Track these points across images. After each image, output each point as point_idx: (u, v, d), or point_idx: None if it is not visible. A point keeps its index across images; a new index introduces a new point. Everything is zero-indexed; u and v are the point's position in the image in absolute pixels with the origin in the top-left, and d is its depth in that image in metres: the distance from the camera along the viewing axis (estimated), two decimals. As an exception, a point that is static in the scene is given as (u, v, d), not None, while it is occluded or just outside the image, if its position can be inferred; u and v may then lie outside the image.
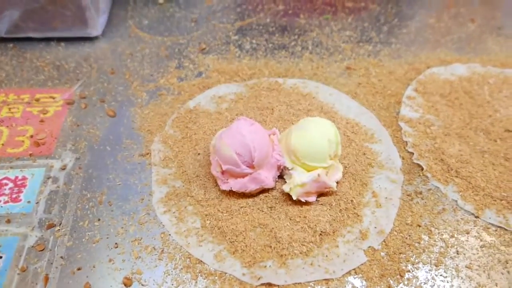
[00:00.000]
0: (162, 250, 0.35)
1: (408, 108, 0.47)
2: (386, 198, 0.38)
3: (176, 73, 0.51)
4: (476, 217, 0.37)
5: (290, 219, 0.36)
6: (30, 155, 0.42)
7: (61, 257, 0.34)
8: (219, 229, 0.35)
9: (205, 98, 0.47)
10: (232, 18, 0.61)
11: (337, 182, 0.37)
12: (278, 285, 0.32)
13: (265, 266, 0.33)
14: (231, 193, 0.38)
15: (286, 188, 0.36)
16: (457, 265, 0.34)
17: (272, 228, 0.35)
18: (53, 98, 0.48)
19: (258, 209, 0.37)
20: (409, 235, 0.36)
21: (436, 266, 0.34)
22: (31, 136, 0.43)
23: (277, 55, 0.54)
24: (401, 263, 0.34)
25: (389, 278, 0.33)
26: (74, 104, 0.48)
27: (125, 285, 0.32)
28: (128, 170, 0.41)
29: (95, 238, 0.35)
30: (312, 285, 0.33)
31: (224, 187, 0.37)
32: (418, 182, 0.40)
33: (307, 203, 0.37)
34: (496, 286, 0.33)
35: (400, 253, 0.35)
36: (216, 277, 0.33)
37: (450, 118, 0.45)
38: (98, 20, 0.55)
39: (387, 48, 0.56)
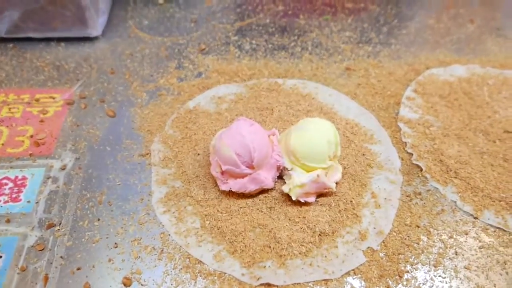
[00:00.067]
0: (162, 250, 0.35)
1: (407, 109, 0.47)
2: (385, 198, 0.38)
3: (176, 74, 0.52)
4: (475, 218, 0.37)
5: (290, 219, 0.36)
6: (30, 155, 0.42)
7: (61, 257, 0.34)
8: (218, 229, 0.35)
9: (205, 99, 0.48)
10: (232, 19, 0.61)
11: (336, 183, 0.38)
12: (277, 286, 0.33)
13: (264, 267, 0.33)
14: (230, 194, 0.38)
15: (285, 188, 0.37)
16: (455, 266, 0.34)
17: (272, 228, 0.35)
18: (53, 98, 0.48)
19: (258, 209, 0.37)
20: (408, 236, 0.36)
21: (435, 266, 0.34)
22: (31, 136, 0.44)
23: (277, 56, 0.54)
24: (400, 263, 0.34)
25: (388, 279, 0.33)
26: (74, 104, 0.48)
27: (124, 285, 0.32)
28: (128, 170, 0.41)
29: (95, 238, 0.35)
30: (311, 285, 0.33)
31: (223, 187, 0.37)
32: (417, 183, 0.40)
33: (306, 203, 0.37)
34: (495, 287, 0.33)
35: (399, 254, 0.35)
36: (216, 277, 0.33)
37: (449, 119, 0.45)
38: (98, 20, 0.55)
39: (386, 49, 0.56)
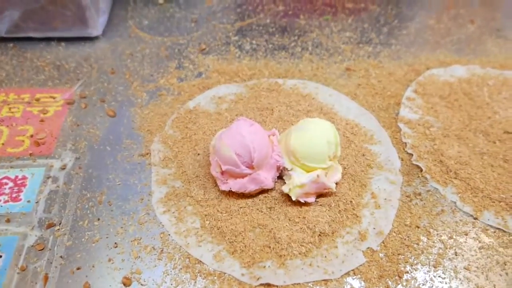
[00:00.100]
0: (162, 250, 0.35)
1: (407, 110, 0.47)
2: (385, 199, 0.38)
3: (176, 74, 0.52)
4: (475, 218, 0.37)
5: (289, 219, 0.36)
6: (30, 154, 0.42)
7: (61, 257, 0.34)
8: (218, 229, 0.35)
9: (205, 99, 0.48)
10: (232, 19, 0.61)
11: (336, 183, 0.38)
12: (277, 286, 0.33)
13: (264, 267, 0.33)
14: (230, 194, 0.38)
15: (285, 188, 0.37)
16: (455, 267, 0.34)
17: (271, 228, 0.35)
18: (53, 98, 0.48)
19: (258, 209, 0.37)
20: (408, 236, 0.36)
21: (434, 267, 0.34)
22: (31, 136, 0.44)
23: (277, 56, 0.54)
24: (399, 264, 0.34)
25: (387, 279, 0.33)
26: (74, 104, 0.48)
27: (124, 284, 0.32)
28: (128, 170, 0.41)
29: (95, 237, 0.35)
30: (311, 285, 0.33)
31: (223, 187, 0.37)
32: (417, 183, 0.40)
33: (306, 203, 0.37)
34: (494, 287, 0.33)
35: (399, 254, 0.35)
36: (215, 277, 0.33)
37: (450, 120, 0.45)
38: (98, 20, 0.55)
39: (387, 49, 0.56)
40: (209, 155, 0.39)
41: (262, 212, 0.37)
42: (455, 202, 0.39)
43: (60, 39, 0.55)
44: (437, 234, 0.36)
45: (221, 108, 0.46)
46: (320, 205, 0.37)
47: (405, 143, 0.43)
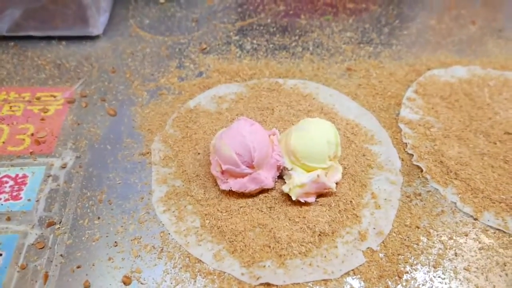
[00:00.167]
0: (162, 249, 0.35)
1: (408, 110, 0.47)
2: (385, 199, 0.38)
3: (176, 73, 0.52)
4: (475, 219, 0.37)
5: (289, 219, 0.36)
6: (31, 153, 0.42)
7: (61, 255, 0.34)
8: (218, 228, 0.35)
9: (206, 98, 0.48)
10: (233, 18, 0.61)
11: (336, 183, 0.38)
12: (277, 285, 0.33)
13: (264, 266, 0.33)
14: (230, 193, 0.38)
15: (285, 188, 0.37)
16: (455, 267, 0.34)
17: (271, 228, 0.35)
18: (54, 96, 0.48)
19: (258, 209, 0.37)
20: (408, 237, 0.36)
21: (434, 267, 0.34)
22: (32, 135, 0.44)
23: (278, 56, 0.54)
24: (399, 264, 0.34)
25: (387, 279, 0.33)
26: (75, 102, 0.48)
27: (124, 283, 0.33)
28: (128, 169, 0.41)
29: (95, 236, 0.35)
30: (311, 285, 0.33)
31: (223, 187, 0.37)
32: (417, 183, 0.40)
33: (306, 203, 0.37)
34: (494, 288, 0.33)
35: (399, 255, 0.35)
36: (215, 277, 0.33)
37: (450, 120, 0.45)
38: (99, 19, 0.55)
39: (387, 49, 0.56)
40: (210, 154, 0.39)
41: (262, 211, 0.37)
42: (455, 203, 0.39)
43: (61, 38, 0.55)
44: (437, 234, 0.36)
45: (221, 107, 0.46)
46: (320, 205, 0.37)
47: (406, 143, 0.43)
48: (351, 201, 0.37)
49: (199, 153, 0.41)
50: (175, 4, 0.63)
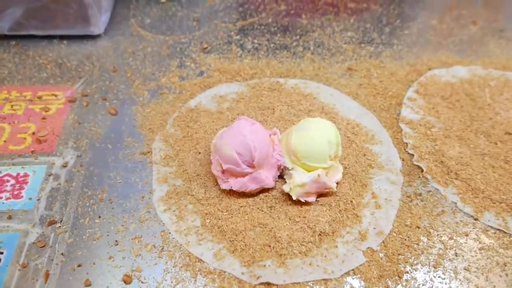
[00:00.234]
0: (162, 248, 0.35)
1: (409, 110, 0.47)
2: (386, 199, 0.38)
3: (177, 72, 0.52)
4: (475, 219, 0.37)
5: (290, 219, 0.36)
6: (32, 152, 0.42)
7: (62, 254, 0.34)
8: (219, 228, 0.35)
9: (206, 98, 0.48)
10: (234, 18, 0.61)
11: (337, 183, 0.38)
12: (277, 285, 0.33)
13: (264, 266, 0.33)
14: (231, 192, 0.38)
15: (286, 188, 0.37)
16: (455, 267, 0.34)
17: (272, 227, 0.35)
18: (55, 95, 0.48)
19: (258, 208, 0.37)
20: (408, 237, 0.36)
21: (434, 267, 0.34)
22: (33, 133, 0.44)
23: (279, 55, 0.54)
24: (399, 264, 0.34)
25: (387, 279, 0.33)
26: (76, 102, 0.48)
27: (125, 282, 0.33)
28: (129, 168, 0.41)
29: (96, 235, 0.35)
30: (311, 285, 0.33)
31: (224, 186, 0.37)
32: (418, 183, 0.40)
33: (306, 203, 0.37)
34: (494, 288, 0.33)
35: (399, 254, 0.35)
36: (215, 276, 0.33)
37: (451, 120, 0.45)
38: (101, 18, 0.55)
39: (388, 49, 0.56)
40: (210, 154, 0.39)
41: (262, 211, 0.37)
42: (455, 203, 0.39)
43: (62, 37, 0.55)
44: (438, 234, 0.36)
45: (222, 107, 0.46)
46: (321, 204, 0.37)
47: (406, 143, 0.43)
48: (351, 201, 0.37)
49: (199, 153, 0.41)
50: (176, 3, 0.63)
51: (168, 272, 0.33)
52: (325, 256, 0.34)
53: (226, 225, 0.35)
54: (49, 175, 0.40)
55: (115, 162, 0.41)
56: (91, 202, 0.38)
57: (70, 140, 0.43)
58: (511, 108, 0.47)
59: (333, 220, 0.36)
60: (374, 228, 0.36)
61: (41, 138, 0.43)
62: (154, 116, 0.46)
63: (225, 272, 0.33)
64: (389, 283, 0.33)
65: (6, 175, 0.40)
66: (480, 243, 0.36)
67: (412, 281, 0.33)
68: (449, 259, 0.35)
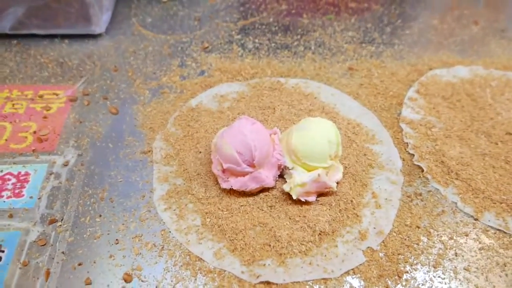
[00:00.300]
0: (162, 247, 0.35)
1: (409, 110, 0.47)
2: (386, 199, 0.38)
3: (178, 72, 0.52)
4: (476, 219, 0.37)
5: (290, 218, 0.36)
6: (33, 151, 0.42)
7: (63, 252, 0.34)
8: (219, 227, 0.36)
9: (207, 97, 0.48)
10: (235, 17, 0.61)
11: (337, 183, 0.38)
12: (277, 284, 0.33)
13: (264, 265, 0.33)
14: (231, 192, 0.38)
15: (286, 187, 0.37)
16: (455, 267, 0.34)
17: (272, 227, 0.35)
18: (56, 94, 0.48)
19: (258, 208, 0.37)
20: (408, 237, 0.36)
21: (434, 267, 0.34)
22: (34, 132, 0.44)
23: (280, 55, 0.54)
24: (399, 264, 0.34)
25: (387, 279, 0.33)
26: (77, 101, 0.48)
27: (125, 281, 0.33)
28: (130, 167, 0.41)
29: (96, 234, 0.36)
30: (311, 284, 0.33)
31: (224, 185, 0.37)
32: (418, 183, 0.40)
33: (307, 202, 0.37)
34: (494, 288, 0.33)
35: (399, 254, 0.35)
36: (216, 275, 0.33)
37: (452, 120, 0.45)
38: (102, 17, 0.55)
39: (389, 49, 0.56)
40: (211, 153, 0.39)
41: (262, 210, 0.37)
42: (456, 203, 0.39)
43: (63, 36, 0.56)
44: (438, 234, 0.36)
45: (223, 106, 0.46)
46: (321, 204, 0.37)
47: (407, 143, 0.43)
48: (351, 201, 0.37)
49: (200, 152, 0.41)
50: (177, 2, 0.63)
51: (168, 271, 0.33)
52: (325, 255, 0.34)
53: (226, 224, 0.36)
54: (50, 174, 0.40)
55: (115, 161, 0.41)
56: (92, 201, 0.38)
57: (71, 139, 0.43)
58: (512, 108, 0.47)
59: (333, 220, 0.36)
60: (374, 228, 0.36)
61: (42, 137, 0.43)
62: (155, 115, 0.46)
63: (225, 271, 0.33)
64: (389, 282, 0.33)
65: (7, 173, 0.40)
66: (480, 243, 0.36)
67: (412, 281, 0.33)
68: (449, 259, 0.35)
